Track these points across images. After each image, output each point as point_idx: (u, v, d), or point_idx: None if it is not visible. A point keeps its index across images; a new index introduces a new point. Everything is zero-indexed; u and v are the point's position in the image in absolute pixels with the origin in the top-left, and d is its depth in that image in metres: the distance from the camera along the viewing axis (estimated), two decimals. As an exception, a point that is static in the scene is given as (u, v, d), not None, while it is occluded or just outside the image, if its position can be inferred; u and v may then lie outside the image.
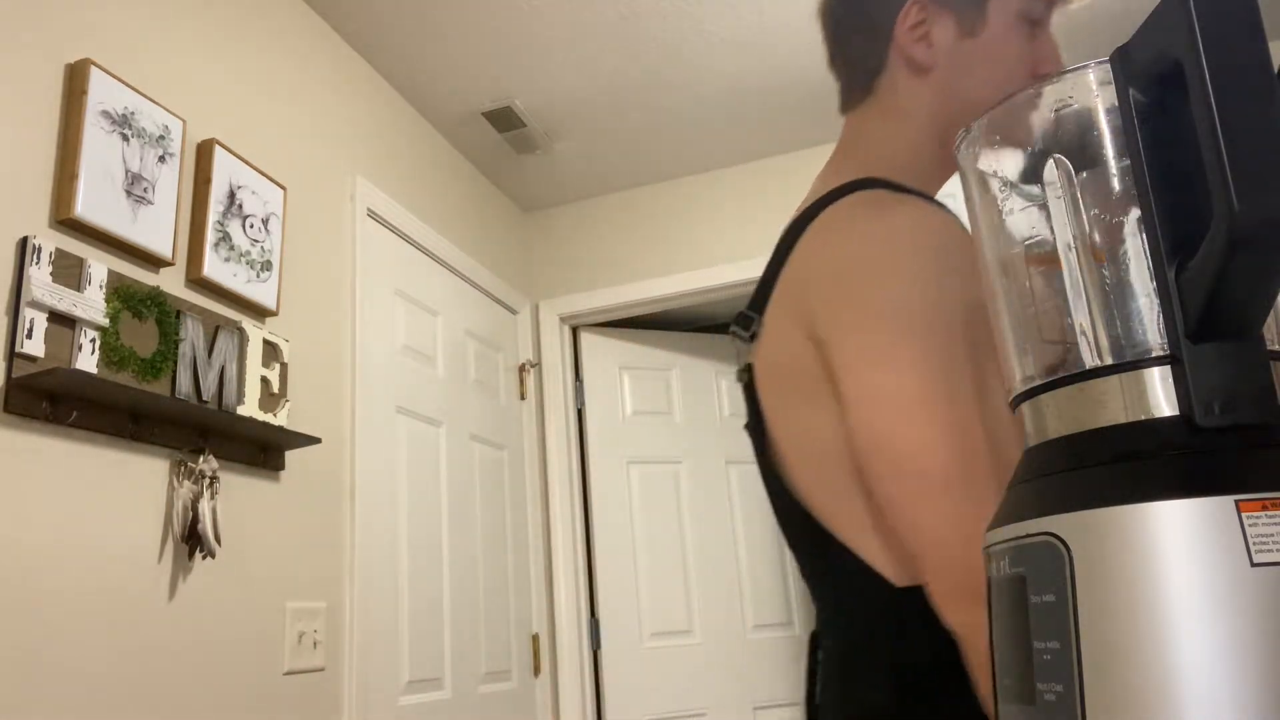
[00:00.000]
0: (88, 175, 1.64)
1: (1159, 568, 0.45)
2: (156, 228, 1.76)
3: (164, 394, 1.70)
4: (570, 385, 3.44)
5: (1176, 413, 0.49)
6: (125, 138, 1.73)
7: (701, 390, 3.66)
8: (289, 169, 2.25)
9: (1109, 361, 0.52)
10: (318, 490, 2.16)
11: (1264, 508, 0.44)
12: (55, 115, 1.64)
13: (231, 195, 1.98)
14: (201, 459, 1.76)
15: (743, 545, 3.52)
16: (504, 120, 3.00)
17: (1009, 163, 0.58)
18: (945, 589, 0.74)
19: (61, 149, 1.63)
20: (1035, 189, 0.56)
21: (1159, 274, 0.50)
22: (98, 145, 1.67)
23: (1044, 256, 0.56)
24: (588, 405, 3.45)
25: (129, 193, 1.72)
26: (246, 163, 2.04)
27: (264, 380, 1.98)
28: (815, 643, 0.93)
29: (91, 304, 1.60)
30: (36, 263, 1.52)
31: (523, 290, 3.52)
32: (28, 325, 1.49)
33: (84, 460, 1.58)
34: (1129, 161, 0.52)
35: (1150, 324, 0.51)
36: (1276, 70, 0.46)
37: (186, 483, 1.74)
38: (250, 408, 1.91)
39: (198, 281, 1.87)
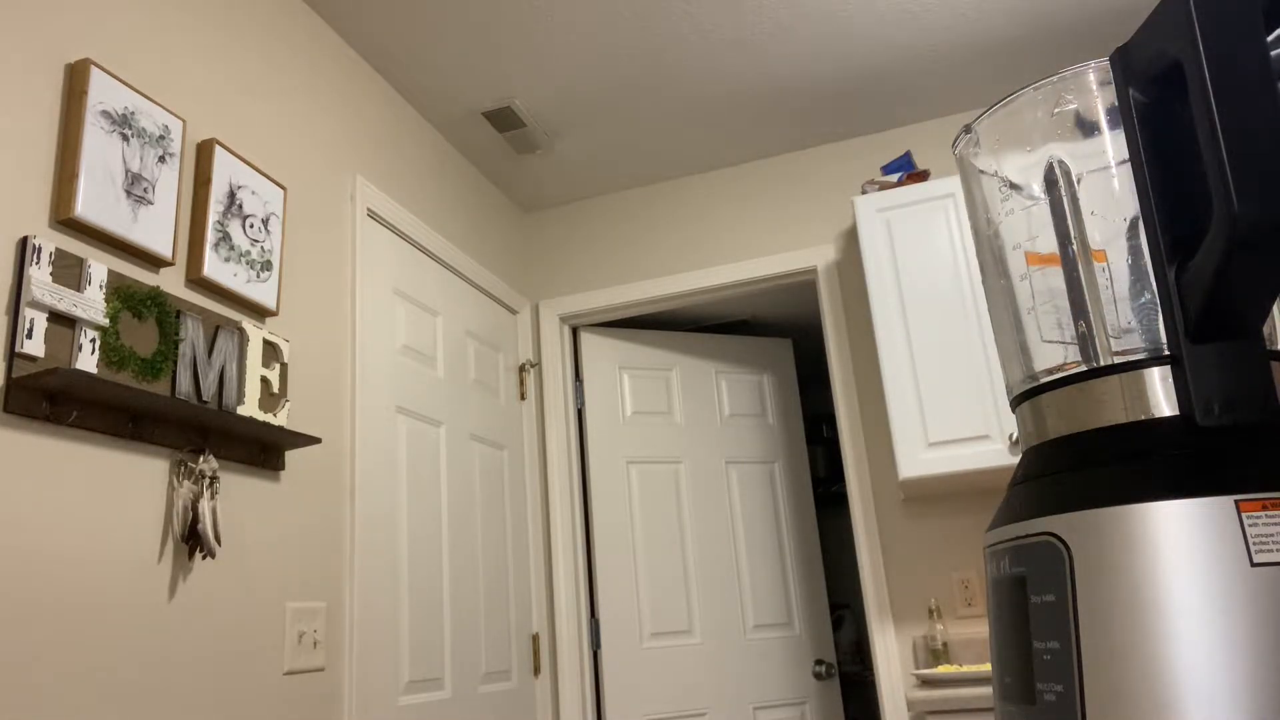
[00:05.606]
0: (88, 175, 1.64)
1: (1159, 568, 0.45)
2: (156, 228, 1.76)
3: (164, 394, 1.69)
4: (570, 385, 3.44)
5: (1176, 413, 0.49)
6: (125, 138, 1.73)
7: (701, 390, 3.66)
8: (289, 169, 2.25)
9: (1109, 361, 0.52)
10: (318, 490, 2.16)
11: (1264, 508, 0.44)
12: (55, 115, 1.64)
13: (231, 195, 1.98)
14: (201, 459, 1.76)
15: (743, 545, 3.52)
16: (504, 120, 3.00)
17: (1009, 163, 0.58)
18: None
19: (61, 149, 1.63)
20: (1035, 189, 0.56)
21: (1159, 274, 0.50)
22: (98, 145, 1.67)
23: (1044, 257, 0.56)
24: (588, 405, 3.45)
25: (129, 193, 1.72)
26: (246, 163, 2.04)
27: (264, 380, 1.98)
28: None
29: (91, 304, 1.60)
30: (36, 263, 1.52)
31: (523, 290, 3.52)
32: (28, 325, 1.49)
33: (84, 460, 1.58)
34: (1129, 161, 0.52)
35: (1150, 324, 0.51)
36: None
37: (186, 483, 1.74)
38: (250, 408, 1.91)
39: (198, 281, 1.87)
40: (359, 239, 2.46)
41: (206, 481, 1.75)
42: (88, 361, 1.57)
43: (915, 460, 2.60)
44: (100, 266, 1.63)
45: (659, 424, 3.55)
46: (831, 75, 2.93)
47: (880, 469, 3.01)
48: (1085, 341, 0.53)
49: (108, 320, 1.62)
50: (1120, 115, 0.52)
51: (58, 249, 1.57)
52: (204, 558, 1.78)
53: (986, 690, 2.32)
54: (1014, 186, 0.58)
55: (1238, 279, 0.46)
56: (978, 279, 2.69)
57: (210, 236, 1.90)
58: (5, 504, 1.44)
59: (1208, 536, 0.44)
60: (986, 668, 2.44)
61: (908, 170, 2.99)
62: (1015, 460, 2.57)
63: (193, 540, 1.73)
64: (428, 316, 2.80)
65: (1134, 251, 0.52)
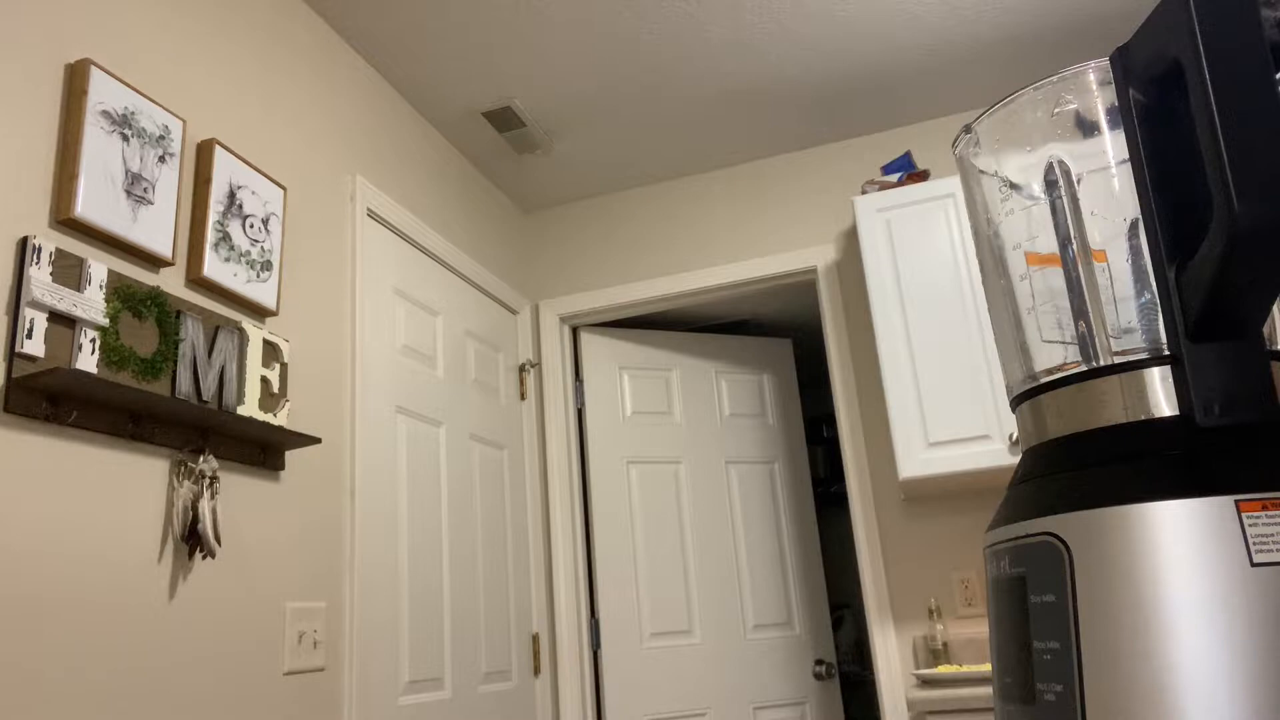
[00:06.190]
0: (88, 175, 1.64)
1: (1159, 568, 0.45)
2: (156, 228, 1.76)
3: (164, 394, 1.69)
4: (570, 385, 3.44)
5: (1176, 413, 0.49)
6: (125, 138, 1.73)
7: (701, 390, 3.66)
8: (289, 169, 2.25)
9: (1109, 361, 0.52)
10: (318, 490, 2.16)
11: (1264, 508, 0.44)
12: (55, 115, 1.64)
13: (231, 195, 1.98)
14: (201, 459, 1.76)
15: (743, 545, 3.52)
16: (504, 120, 3.00)
17: (1009, 163, 0.58)
18: None
19: (61, 149, 1.63)
20: (1035, 189, 0.56)
21: (1159, 274, 0.50)
22: (98, 145, 1.67)
23: (1044, 257, 0.56)
24: (588, 405, 3.45)
25: (129, 193, 1.72)
26: (246, 163, 2.04)
27: (264, 380, 1.98)
28: None
29: (91, 304, 1.60)
30: (36, 263, 1.52)
31: (523, 290, 3.52)
32: (28, 325, 1.49)
33: (84, 460, 1.58)
34: (1129, 161, 0.52)
35: (1150, 324, 0.51)
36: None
37: (186, 483, 1.74)
38: (250, 408, 1.91)
39: (198, 281, 1.87)
40: (359, 239, 2.46)
41: (206, 481, 1.75)
42: (88, 361, 1.57)
43: (915, 460, 2.60)
44: (100, 266, 1.63)
45: (659, 424, 3.55)
46: (831, 75, 2.93)
47: (880, 469, 3.00)
48: (1085, 341, 0.53)
49: (108, 320, 1.62)
50: (1120, 115, 0.52)
51: (58, 249, 1.57)
52: (204, 558, 1.78)
53: (986, 690, 2.32)
54: (1014, 186, 0.58)
55: (1238, 279, 0.46)
56: (978, 279, 2.69)
57: (210, 236, 1.90)
58: (5, 504, 1.44)
59: (1208, 536, 0.44)
60: (986, 668, 2.44)
61: (908, 170, 2.99)
62: (1015, 460, 2.57)
63: (193, 540, 1.73)
64: (428, 316, 2.80)
65: (1134, 251, 0.52)
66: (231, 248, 1.95)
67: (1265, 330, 0.49)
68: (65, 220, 1.60)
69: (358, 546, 2.25)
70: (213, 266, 1.89)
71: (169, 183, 1.81)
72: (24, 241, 1.52)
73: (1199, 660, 0.43)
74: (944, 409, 2.61)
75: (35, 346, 1.49)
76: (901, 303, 2.73)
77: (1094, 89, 0.54)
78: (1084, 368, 0.53)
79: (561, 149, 3.22)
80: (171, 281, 1.82)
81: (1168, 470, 0.47)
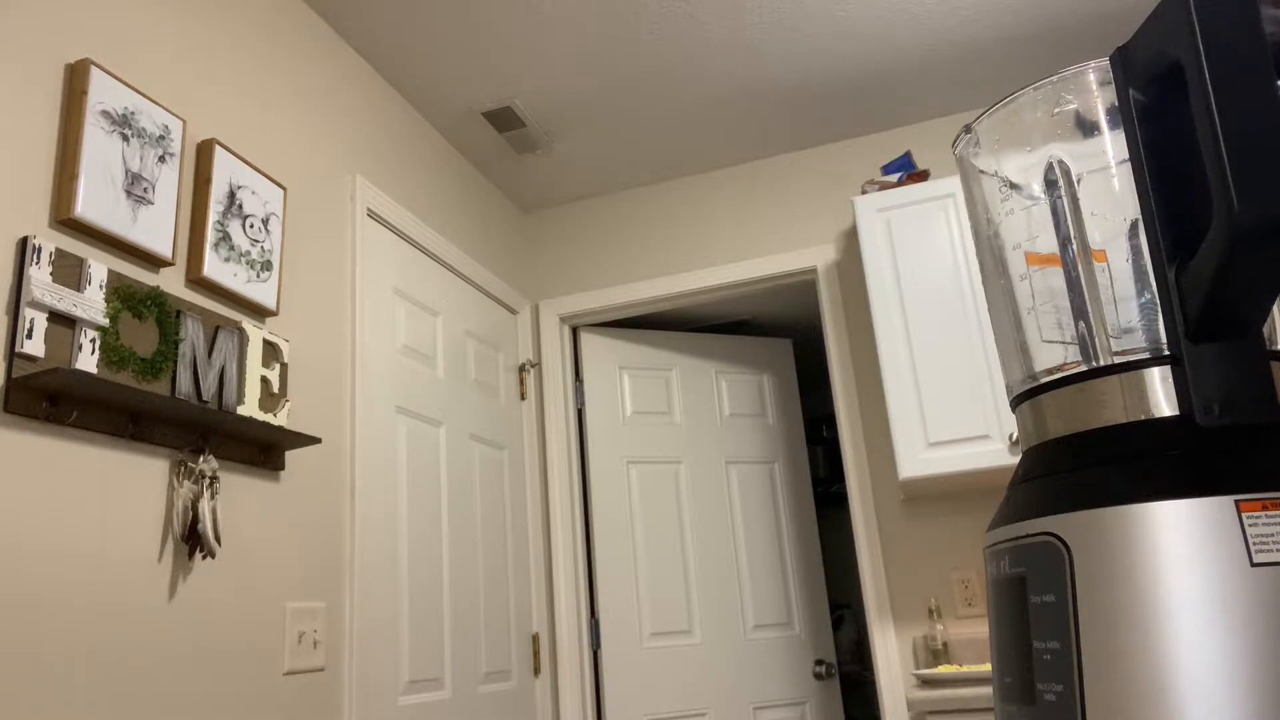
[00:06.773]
0: (88, 175, 1.64)
1: (1159, 567, 0.45)
2: (156, 228, 1.76)
3: (164, 394, 1.69)
4: (570, 385, 3.44)
5: (1176, 413, 0.49)
6: (125, 138, 1.73)
7: (701, 390, 3.66)
8: (289, 169, 2.25)
9: (1109, 361, 0.52)
10: (318, 490, 2.16)
11: (1264, 508, 0.44)
12: (55, 115, 1.64)
13: (231, 195, 1.98)
14: (201, 459, 1.76)
15: (743, 545, 3.52)
16: (504, 120, 3.00)
17: (1009, 163, 0.58)
18: None
19: (61, 149, 1.63)
20: (1035, 189, 0.56)
21: (1159, 274, 0.50)
22: (98, 145, 1.67)
23: (1044, 257, 0.56)
24: (588, 405, 3.45)
25: (129, 193, 1.72)
26: (246, 163, 2.04)
27: (264, 380, 1.98)
28: None
29: (91, 304, 1.60)
30: (36, 263, 1.52)
31: (523, 290, 3.52)
32: (28, 325, 1.49)
33: (84, 460, 1.58)
34: (1129, 161, 0.52)
35: (1150, 324, 0.51)
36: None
37: (186, 483, 1.74)
38: (250, 408, 1.91)
39: (198, 281, 1.87)
40: (359, 239, 2.46)
41: (206, 481, 1.75)
42: (88, 361, 1.57)
43: (915, 460, 2.60)
44: (100, 266, 1.63)
45: (659, 424, 3.55)
46: (832, 75, 2.93)
47: (880, 469, 3.00)
48: (1085, 341, 0.53)
49: (108, 320, 1.62)
50: (1120, 115, 0.52)
51: (58, 249, 1.57)
52: (204, 558, 1.78)
53: (986, 690, 2.32)
54: (1014, 186, 0.58)
55: (1238, 279, 0.46)
56: (978, 279, 2.69)
57: (210, 236, 1.90)
58: (5, 504, 1.44)
59: (1208, 536, 0.44)
60: (986, 668, 2.44)
61: (908, 170, 2.99)
62: (1015, 460, 2.57)
63: (193, 540, 1.73)
64: (428, 316, 2.80)
65: (1134, 251, 0.52)
66: (231, 248, 1.95)
67: (1265, 330, 0.49)
68: (65, 220, 1.60)
69: (358, 546, 2.25)
70: (213, 266, 1.89)
71: (169, 183, 1.81)
72: (24, 241, 1.52)
73: (1199, 660, 0.43)
74: (944, 409, 2.61)
75: (35, 346, 1.49)
76: (901, 303, 2.73)
77: (1094, 89, 0.54)
78: (1084, 368, 0.53)
79: (561, 149, 3.22)
80: (171, 281, 1.82)
81: (1168, 470, 0.47)
